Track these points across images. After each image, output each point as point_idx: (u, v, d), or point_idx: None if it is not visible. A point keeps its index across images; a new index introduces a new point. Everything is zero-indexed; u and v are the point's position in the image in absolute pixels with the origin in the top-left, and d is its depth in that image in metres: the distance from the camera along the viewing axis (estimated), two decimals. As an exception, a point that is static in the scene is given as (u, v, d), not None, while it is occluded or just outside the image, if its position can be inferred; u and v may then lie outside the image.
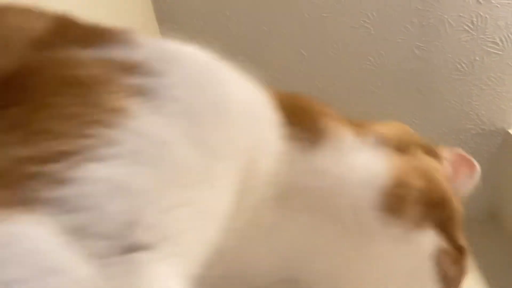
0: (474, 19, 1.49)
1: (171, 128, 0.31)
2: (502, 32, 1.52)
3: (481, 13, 1.48)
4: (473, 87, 1.63)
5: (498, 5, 1.47)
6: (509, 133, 1.73)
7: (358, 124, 0.55)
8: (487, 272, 1.70)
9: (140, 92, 0.31)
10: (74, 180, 0.25)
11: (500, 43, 1.54)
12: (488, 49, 1.55)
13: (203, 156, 0.32)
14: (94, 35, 0.39)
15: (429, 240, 0.49)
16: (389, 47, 1.54)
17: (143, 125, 0.30)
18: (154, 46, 0.40)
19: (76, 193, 0.25)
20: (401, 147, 0.51)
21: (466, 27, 1.51)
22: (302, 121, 0.47)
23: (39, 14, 0.40)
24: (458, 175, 0.54)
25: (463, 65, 1.58)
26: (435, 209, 0.50)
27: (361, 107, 1.66)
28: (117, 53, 0.36)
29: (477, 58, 1.57)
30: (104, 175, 0.26)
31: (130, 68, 0.34)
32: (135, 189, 0.27)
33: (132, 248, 0.25)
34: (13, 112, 0.28)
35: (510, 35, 1.52)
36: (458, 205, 0.53)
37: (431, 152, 0.56)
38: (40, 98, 0.29)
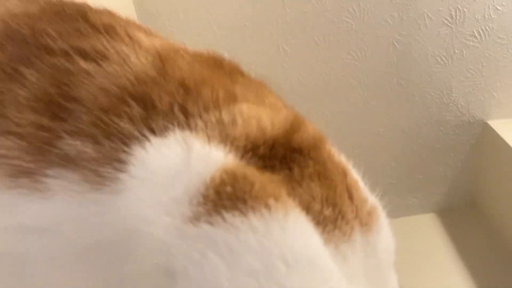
0: (453, 13, 1.52)
1: None
2: (480, 25, 1.55)
3: (460, 7, 1.50)
4: (453, 79, 1.66)
5: (476, -1, 1.49)
6: (488, 124, 1.77)
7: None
8: (468, 259, 1.74)
9: None
10: None
11: (478, 36, 1.57)
12: (467, 42, 1.58)
13: None
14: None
15: None
16: (370, 41, 1.55)
17: None
18: None
19: None
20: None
21: (445, 21, 1.53)
22: None
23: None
24: None
25: (443, 57, 1.60)
26: None
27: (342, 100, 1.68)
28: None
29: (456, 51, 1.60)
30: None
31: None
32: None
33: None
34: (312, 185, 0.36)
35: (488, 28, 1.55)
36: None
37: None
38: (331, 178, 0.38)
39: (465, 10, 1.51)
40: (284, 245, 0.30)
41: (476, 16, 1.52)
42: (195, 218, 0.30)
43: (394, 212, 1.91)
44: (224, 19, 1.48)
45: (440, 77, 1.65)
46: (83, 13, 0.44)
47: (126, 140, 0.33)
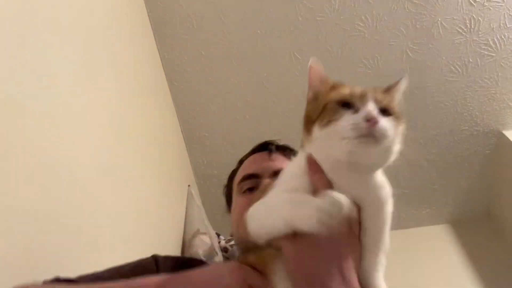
0: (467, 22, 1.50)
1: None
2: (495, 34, 1.53)
3: (474, 16, 1.49)
4: (467, 89, 1.64)
5: (491, 8, 1.48)
6: (503, 134, 1.74)
7: None
8: (483, 270, 1.71)
9: None
10: None
11: (493, 45, 1.55)
12: (482, 51, 1.56)
13: None
14: None
15: None
16: (383, 49, 1.54)
17: None
18: None
19: None
20: None
21: (459, 29, 1.52)
22: None
23: None
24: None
25: (457, 66, 1.59)
26: None
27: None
28: None
29: (471, 60, 1.58)
30: None
31: None
32: None
33: None
34: None
35: (503, 37, 1.54)
36: None
37: None
38: None
39: (479, 19, 1.50)
40: None
41: (491, 25, 1.51)
42: None
43: (407, 223, 1.91)
44: (237, 27, 1.48)
45: (454, 87, 1.63)
46: None
47: None
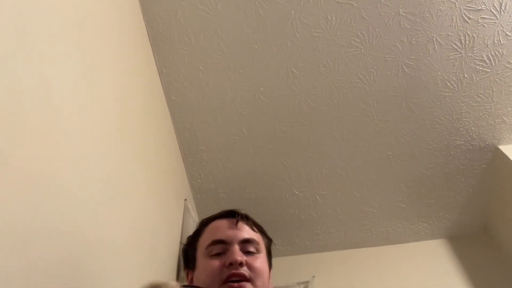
0: (462, 38, 1.52)
1: None
2: (490, 50, 1.55)
3: (469, 32, 1.51)
4: (463, 104, 1.65)
5: (485, 25, 1.50)
6: (499, 149, 1.75)
7: None
8: (479, 284, 1.70)
9: None
10: None
11: (488, 61, 1.57)
12: (477, 66, 1.58)
13: None
14: None
15: None
16: (379, 65, 1.56)
17: None
18: None
19: None
20: None
21: (454, 46, 1.54)
22: None
23: None
24: None
25: (452, 82, 1.60)
26: None
27: (351, 124, 1.68)
28: None
29: (466, 76, 1.60)
30: None
31: None
32: None
33: None
34: None
35: (497, 53, 1.55)
36: None
37: None
38: None
39: (474, 35, 1.52)
40: None
41: (486, 41, 1.53)
42: None
43: (404, 237, 1.92)
44: (234, 42, 1.50)
45: (450, 102, 1.64)
46: None
47: None
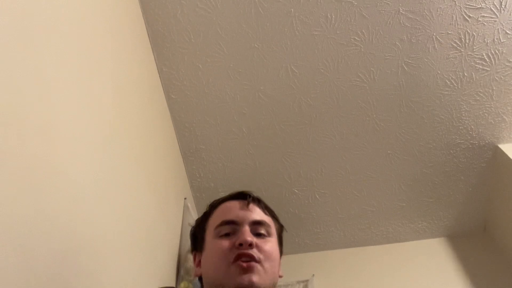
0: (462, 36, 1.52)
1: None
2: (490, 48, 1.55)
3: (469, 31, 1.51)
4: (462, 102, 1.65)
5: (485, 23, 1.50)
6: (499, 148, 1.75)
7: None
8: (479, 283, 1.70)
9: None
10: None
11: (487, 60, 1.57)
12: (476, 65, 1.58)
13: None
14: None
15: None
16: (379, 63, 1.56)
17: None
18: None
19: None
20: None
21: (454, 44, 1.53)
22: None
23: None
24: None
25: (452, 80, 1.60)
26: None
27: (351, 122, 1.68)
28: None
29: (466, 74, 1.59)
30: None
31: None
32: None
33: None
34: None
35: (497, 52, 1.55)
36: None
37: None
38: None
39: (474, 34, 1.52)
40: None
41: (486, 40, 1.53)
42: None
43: (403, 236, 1.92)
44: (234, 41, 1.50)
45: (449, 100, 1.64)
46: None
47: None
